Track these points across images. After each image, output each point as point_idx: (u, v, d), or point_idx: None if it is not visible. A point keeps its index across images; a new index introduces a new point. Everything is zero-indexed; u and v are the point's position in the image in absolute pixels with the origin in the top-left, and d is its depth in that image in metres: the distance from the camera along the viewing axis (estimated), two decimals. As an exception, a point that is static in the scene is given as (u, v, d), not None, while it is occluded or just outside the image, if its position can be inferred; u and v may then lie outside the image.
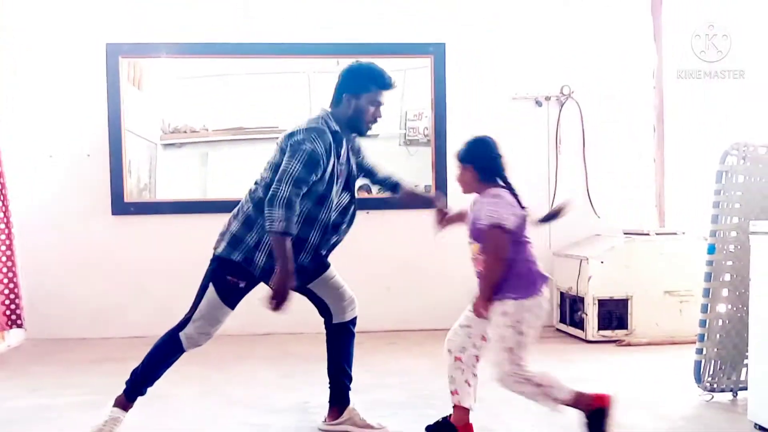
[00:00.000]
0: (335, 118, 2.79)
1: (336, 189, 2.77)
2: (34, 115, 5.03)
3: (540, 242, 5.20)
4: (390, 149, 5.59)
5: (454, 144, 5.18)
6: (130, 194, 5.23)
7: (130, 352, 4.57)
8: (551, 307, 5.24)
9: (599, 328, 4.69)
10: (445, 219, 2.92)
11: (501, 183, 2.73)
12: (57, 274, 5.04)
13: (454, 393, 2.71)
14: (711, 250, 3.29)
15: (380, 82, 2.78)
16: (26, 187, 4.99)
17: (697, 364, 3.34)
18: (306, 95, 5.66)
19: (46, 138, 5.04)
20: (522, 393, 2.60)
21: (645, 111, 5.36)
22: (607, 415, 2.61)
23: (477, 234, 2.66)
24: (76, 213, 5.07)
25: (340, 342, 3.01)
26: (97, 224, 5.08)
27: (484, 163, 2.73)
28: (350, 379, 3.02)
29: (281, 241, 2.60)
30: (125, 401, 2.86)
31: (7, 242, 4.56)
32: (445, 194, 5.18)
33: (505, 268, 2.59)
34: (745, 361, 3.27)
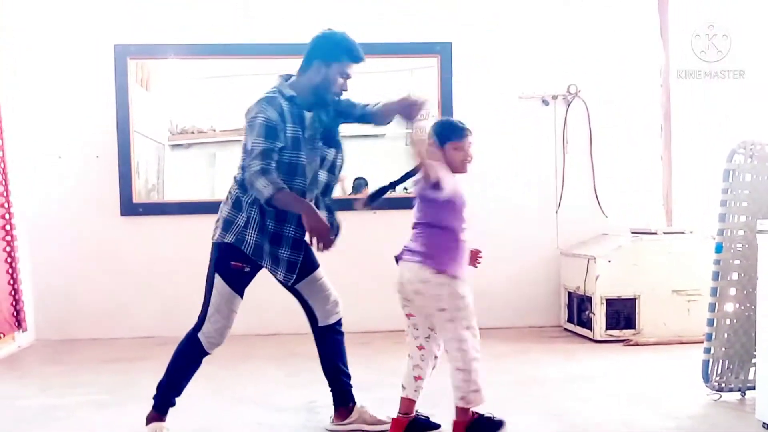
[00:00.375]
0: (299, 85, 2.80)
1: (308, 156, 2.76)
2: (44, 117, 5.06)
3: (548, 242, 5.30)
4: (396, 149, 5.60)
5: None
6: (139, 195, 5.26)
7: (140, 351, 4.64)
8: (559, 307, 5.25)
9: (607, 328, 4.68)
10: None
11: None
12: (67, 274, 5.08)
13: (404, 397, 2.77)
14: (719, 248, 3.28)
15: (352, 54, 2.78)
16: (36, 188, 5.02)
17: (705, 363, 3.33)
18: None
19: (55, 139, 5.07)
20: (455, 363, 2.64)
21: (652, 109, 5.34)
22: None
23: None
24: (85, 214, 5.10)
25: (330, 343, 3.00)
26: (106, 225, 5.11)
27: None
28: (349, 377, 3.02)
29: (282, 198, 2.64)
30: (157, 416, 2.84)
31: (10, 246, 4.58)
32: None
33: (437, 186, 2.62)
34: (753, 360, 3.26)
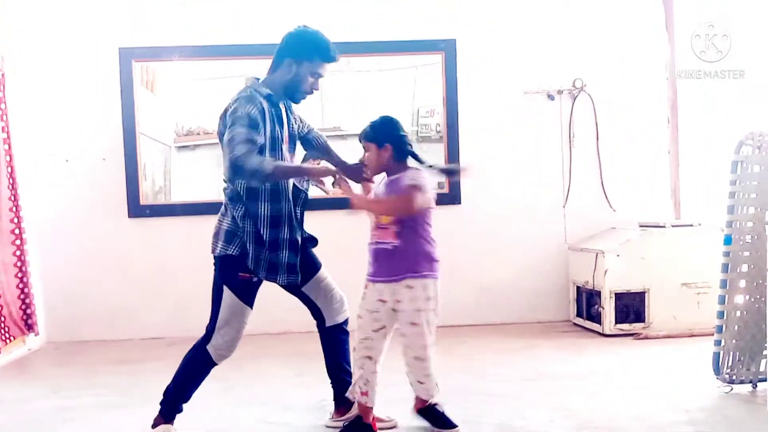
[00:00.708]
0: (270, 83, 2.78)
1: (288, 154, 2.79)
2: (50, 120, 5.08)
3: (555, 236, 5.29)
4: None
5: (467, 140, 5.25)
6: (146, 197, 5.27)
7: (150, 352, 4.65)
8: (568, 302, 5.23)
9: (616, 322, 4.67)
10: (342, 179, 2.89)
11: (415, 161, 2.80)
12: (75, 277, 5.10)
13: (364, 393, 2.81)
14: (727, 240, 3.26)
15: (325, 54, 2.76)
16: (43, 192, 5.05)
17: (716, 355, 3.32)
18: (317, 94, 5.65)
19: (62, 142, 5.09)
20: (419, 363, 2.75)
21: (658, 103, 5.32)
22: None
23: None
24: (92, 216, 5.12)
25: (337, 343, 3.01)
26: (113, 227, 5.13)
27: (399, 143, 2.78)
28: (351, 376, 3.01)
29: (280, 171, 2.65)
30: (163, 421, 2.83)
31: (20, 250, 4.60)
32: (459, 191, 5.19)
33: (407, 212, 2.66)
34: (764, 352, 3.25)
